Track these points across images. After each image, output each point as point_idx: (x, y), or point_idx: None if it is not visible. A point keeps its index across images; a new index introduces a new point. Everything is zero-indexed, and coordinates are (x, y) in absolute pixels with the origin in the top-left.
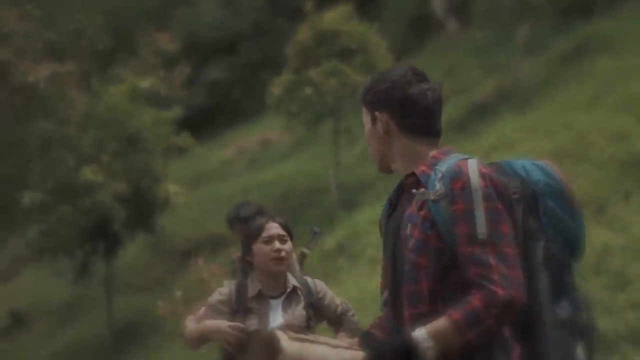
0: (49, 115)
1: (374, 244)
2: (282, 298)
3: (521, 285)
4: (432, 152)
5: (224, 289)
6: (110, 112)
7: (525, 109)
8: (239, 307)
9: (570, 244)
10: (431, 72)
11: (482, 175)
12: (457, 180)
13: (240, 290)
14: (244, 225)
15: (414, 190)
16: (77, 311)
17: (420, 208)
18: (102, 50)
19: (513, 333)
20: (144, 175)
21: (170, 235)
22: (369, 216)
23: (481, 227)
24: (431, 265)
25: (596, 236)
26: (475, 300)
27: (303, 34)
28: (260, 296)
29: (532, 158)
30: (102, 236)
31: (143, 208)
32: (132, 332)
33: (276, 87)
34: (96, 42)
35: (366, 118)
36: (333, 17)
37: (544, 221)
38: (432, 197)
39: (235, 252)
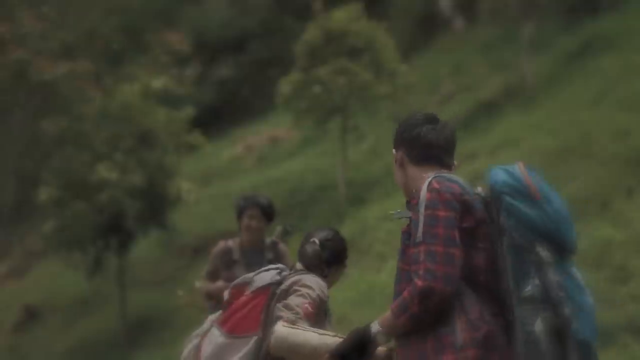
0: (65, 112)
1: (382, 240)
2: None
3: (445, 277)
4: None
5: (324, 284)
6: (124, 110)
7: (531, 107)
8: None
9: (534, 231)
10: (438, 70)
11: (430, 189)
12: (416, 197)
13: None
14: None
15: (391, 212)
16: (90, 306)
17: (408, 224)
18: (116, 49)
19: (494, 309)
20: (157, 171)
21: (181, 232)
22: (378, 212)
23: (419, 232)
24: (407, 268)
25: (599, 231)
26: (405, 291)
27: (311, 33)
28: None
29: (518, 161)
30: (115, 232)
31: (155, 204)
32: (144, 327)
33: (285, 86)
34: (110, 42)
35: (394, 157)
36: (341, 17)
37: (505, 215)
38: (409, 216)
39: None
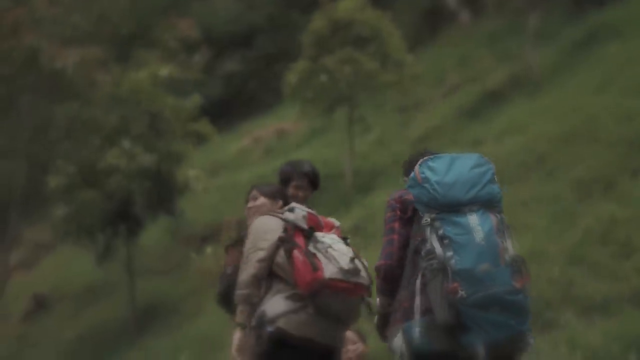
0: (75, 97)
1: None
2: None
3: (386, 255)
4: None
5: None
6: (133, 94)
7: (536, 95)
8: None
9: (422, 204)
10: (444, 63)
11: (388, 201)
12: None
13: None
14: None
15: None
16: (98, 295)
17: None
18: (125, 35)
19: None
20: (166, 157)
21: (189, 221)
22: (384, 198)
23: None
24: None
25: (603, 210)
26: None
27: (318, 22)
28: None
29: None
30: (123, 219)
31: (163, 191)
32: (153, 314)
33: (292, 75)
34: (119, 28)
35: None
36: (347, 7)
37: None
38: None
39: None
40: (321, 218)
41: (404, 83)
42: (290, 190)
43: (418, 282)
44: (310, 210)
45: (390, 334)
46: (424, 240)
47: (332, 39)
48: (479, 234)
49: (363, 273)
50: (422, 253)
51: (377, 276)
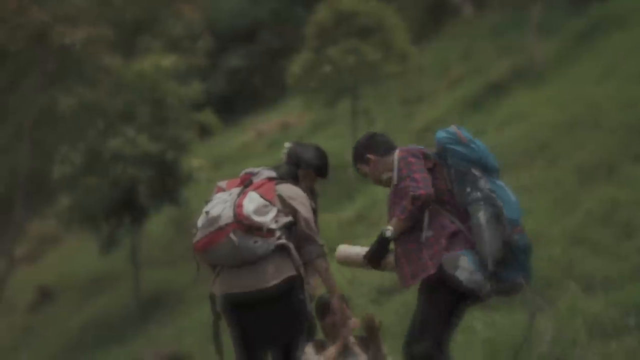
0: (81, 79)
1: None
2: None
3: (425, 185)
4: None
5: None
6: (139, 78)
7: (539, 85)
8: None
9: (467, 160)
10: (447, 55)
11: (401, 150)
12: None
13: None
14: None
15: None
16: (103, 285)
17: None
18: (129, 21)
19: (456, 216)
20: (171, 145)
21: (194, 212)
22: (385, 189)
23: (397, 174)
24: (398, 201)
25: (605, 193)
26: (404, 201)
27: (322, 14)
28: None
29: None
30: (128, 209)
31: (168, 180)
32: (157, 303)
33: (296, 66)
34: (123, 12)
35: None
36: None
37: (449, 155)
38: None
39: None
40: (229, 181)
41: (408, 74)
42: (299, 179)
43: (455, 223)
44: (219, 184)
45: (446, 259)
46: (473, 189)
47: (336, 29)
48: (512, 194)
49: (225, 213)
50: (469, 199)
51: (415, 203)
